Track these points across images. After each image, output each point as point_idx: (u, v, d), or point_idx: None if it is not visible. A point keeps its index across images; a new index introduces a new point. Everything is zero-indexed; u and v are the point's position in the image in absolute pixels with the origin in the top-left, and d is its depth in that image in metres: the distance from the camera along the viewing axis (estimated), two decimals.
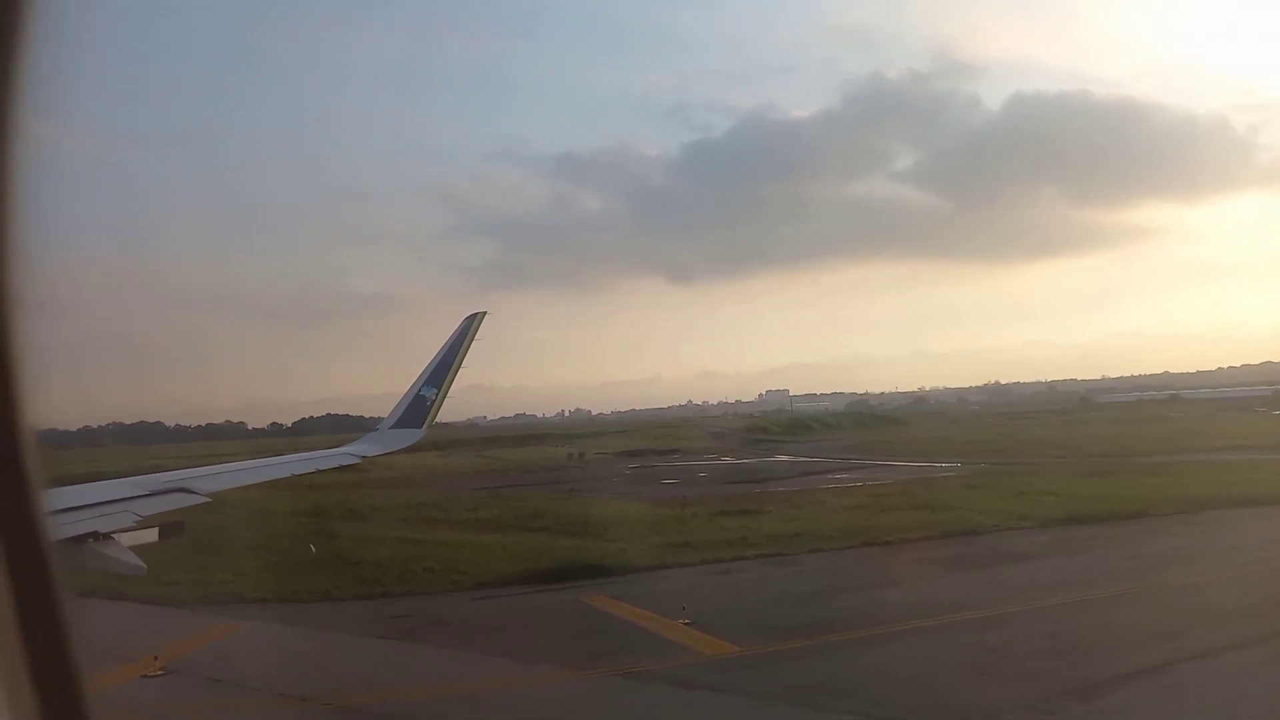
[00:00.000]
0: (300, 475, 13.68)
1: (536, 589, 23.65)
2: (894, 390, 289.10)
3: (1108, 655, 14.78)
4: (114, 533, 9.09)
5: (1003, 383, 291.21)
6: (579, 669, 15.99)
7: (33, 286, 2.02)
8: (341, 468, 14.59)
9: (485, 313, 15.38)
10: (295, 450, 16.60)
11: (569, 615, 20.58)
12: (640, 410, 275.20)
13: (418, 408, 14.79)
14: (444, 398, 14.83)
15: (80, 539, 8.64)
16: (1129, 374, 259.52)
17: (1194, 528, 28.57)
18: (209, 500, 10.10)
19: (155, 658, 17.00)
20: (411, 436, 14.65)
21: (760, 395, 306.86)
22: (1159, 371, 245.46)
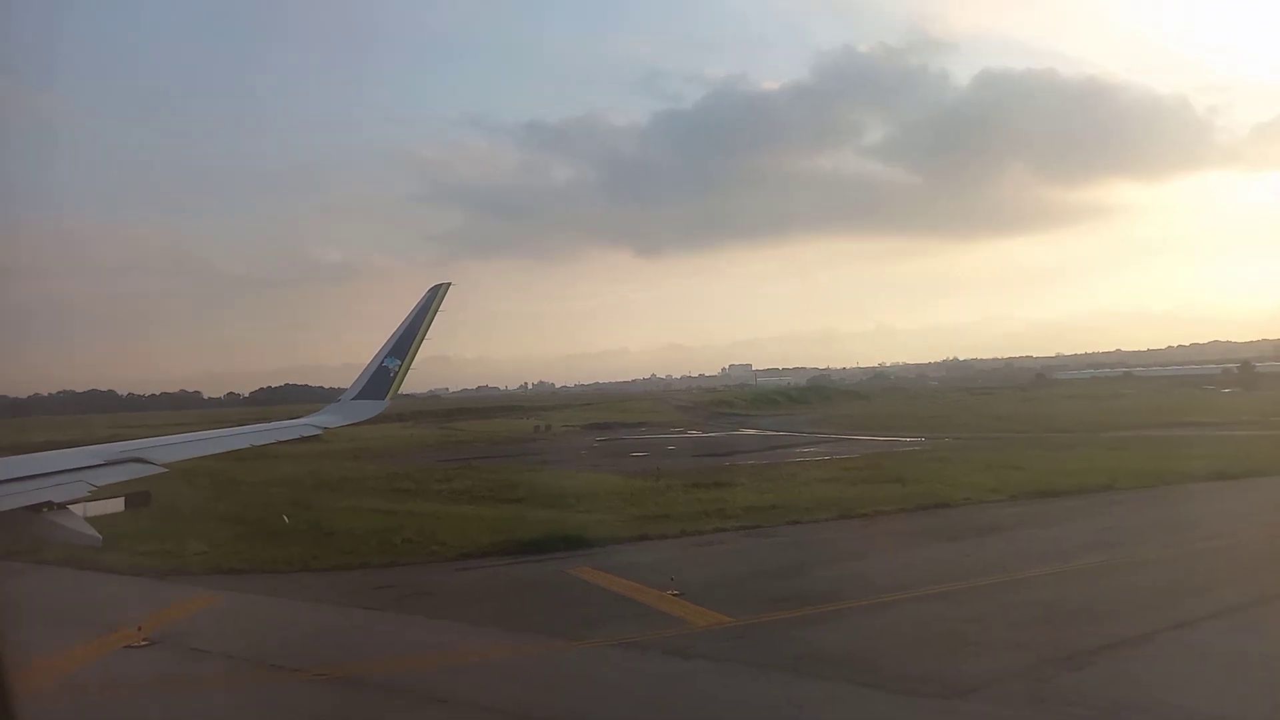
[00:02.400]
0: (261, 446, 13.38)
1: (518, 560, 23.59)
2: (855, 365, 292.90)
3: (1094, 625, 15.09)
4: (75, 502, 8.83)
5: (961, 359, 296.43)
6: (572, 639, 15.95)
7: None
8: (303, 438, 14.25)
9: (450, 284, 15.15)
10: (254, 421, 16.25)
11: (554, 585, 20.54)
12: (604, 383, 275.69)
13: (380, 379, 14.55)
14: (407, 369, 14.61)
15: (34, 508, 8.40)
16: (1083, 351, 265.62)
17: (1162, 501, 29.34)
18: (165, 470, 9.83)
19: (139, 628, 16.69)
20: (374, 408, 14.39)
21: (724, 369, 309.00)
22: (1112, 349, 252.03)
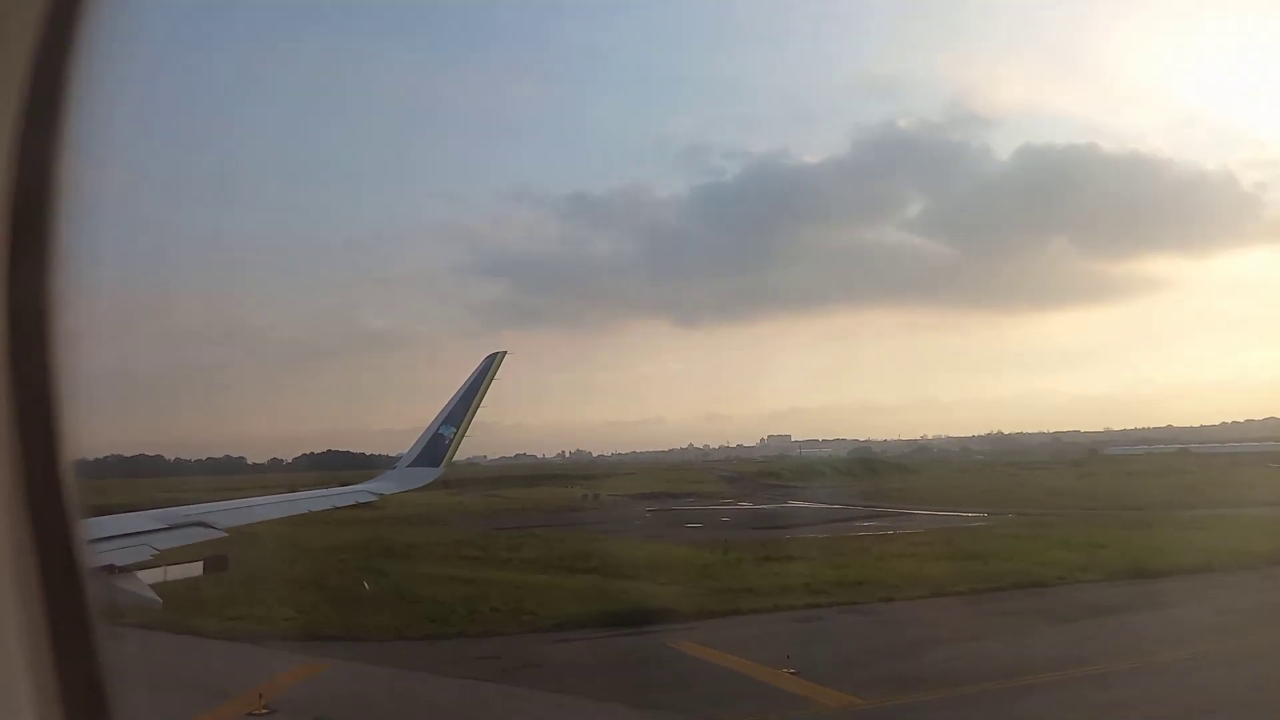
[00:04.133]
0: (320, 511, 13.43)
1: (613, 633, 23.23)
2: (897, 438, 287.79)
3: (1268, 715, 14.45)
4: (149, 566, 8.83)
5: (1006, 433, 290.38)
6: (705, 718, 15.58)
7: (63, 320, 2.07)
8: (358, 504, 14.23)
9: (505, 352, 15.26)
10: (299, 486, 16.32)
11: (662, 660, 20.15)
12: (641, 452, 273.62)
13: (436, 446, 14.62)
14: (462, 436, 14.63)
15: (98, 572, 8.42)
16: (1132, 426, 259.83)
17: (1271, 584, 28.22)
18: (227, 535, 9.83)
19: (259, 696, 16.58)
20: (429, 475, 14.47)
21: (762, 440, 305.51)
22: (1162, 425, 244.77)
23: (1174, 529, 43.89)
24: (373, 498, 13.99)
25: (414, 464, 14.88)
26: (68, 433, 2.07)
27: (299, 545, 45.33)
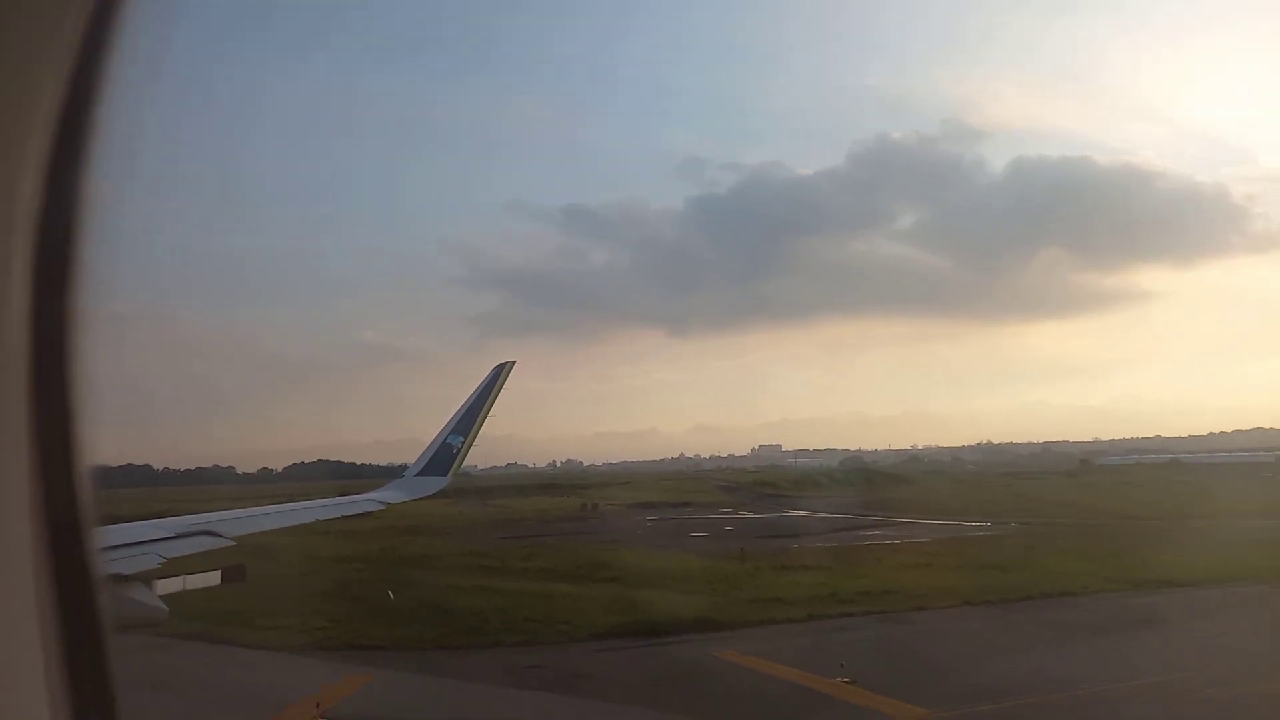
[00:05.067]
0: (327, 520, 13.38)
1: (654, 642, 23.06)
2: (888, 448, 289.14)
3: None
4: (159, 576, 8.74)
5: (996, 443, 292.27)
6: None
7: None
8: (362, 514, 14.13)
9: (514, 362, 15.21)
10: (294, 496, 16.22)
11: (712, 671, 19.98)
12: (633, 462, 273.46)
13: (443, 456, 14.60)
14: (470, 446, 14.59)
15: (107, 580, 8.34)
16: (1121, 436, 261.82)
17: None
18: (234, 544, 9.79)
19: (316, 705, 16.38)
20: (436, 484, 14.44)
21: (753, 450, 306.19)
22: (1151, 435, 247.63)
23: (1185, 540, 44.08)
24: (380, 506, 13.91)
25: (422, 473, 14.81)
26: (85, 444, 2.13)
27: (311, 555, 44.95)
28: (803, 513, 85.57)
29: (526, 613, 26.73)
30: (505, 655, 21.95)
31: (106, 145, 2.09)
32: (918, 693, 16.95)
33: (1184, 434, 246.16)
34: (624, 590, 31.53)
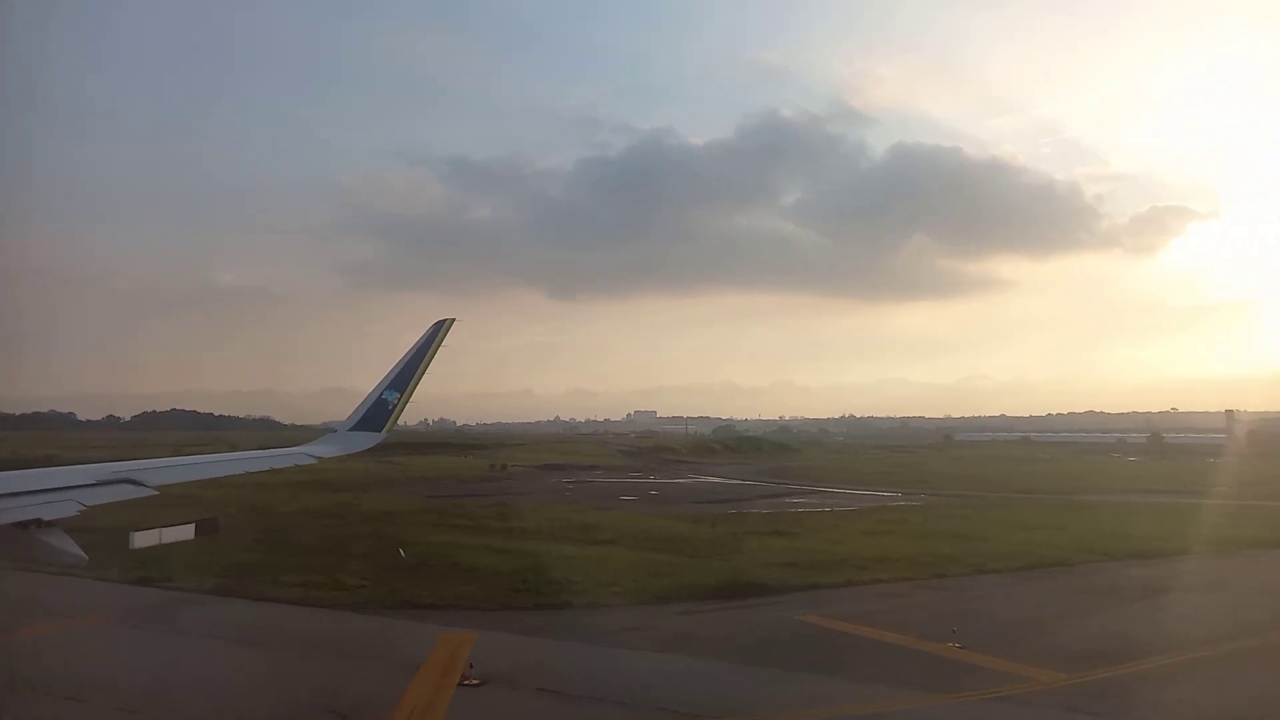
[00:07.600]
0: (252, 473, 13.31)
1: (721, 605, 22.95)
2: (758, 418, 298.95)
3: None
4: (65, 520, 8.53)
5: (858, 416, 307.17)
6: (934, 691, 15.67)
7: None
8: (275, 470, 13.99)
9: (454, 320, 15.22)
10: (146, 448, 15.60)
11: (813, 634, 19.89)
12: (508, 423, 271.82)
13: (379, 411, 14.59)
14: (406, 402, 14.65)
15: (22, 525, 8.12)
16: (970, 415, 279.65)
17: (1259, 564, 30.86)
18: (157, 493, 9.65)
19: (470, 664, 15.71)
20: (371, 439, 14.47)
21: (628, 415, 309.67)
22: (997, 414, 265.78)
23: (1111, 514, 46.78)
24: (312, 460, 13.56)
25: (356, 428, 14.49)
26: None
27: (258, 508, 42.52)
28: (714, 479, 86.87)
29: (562, 574, 26.03)
30: (583, 616, 21.37)
31: None
32: (1041, 657, 17.42)
33: (1025, 414, 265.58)
34: (635, 553, 31.16)
